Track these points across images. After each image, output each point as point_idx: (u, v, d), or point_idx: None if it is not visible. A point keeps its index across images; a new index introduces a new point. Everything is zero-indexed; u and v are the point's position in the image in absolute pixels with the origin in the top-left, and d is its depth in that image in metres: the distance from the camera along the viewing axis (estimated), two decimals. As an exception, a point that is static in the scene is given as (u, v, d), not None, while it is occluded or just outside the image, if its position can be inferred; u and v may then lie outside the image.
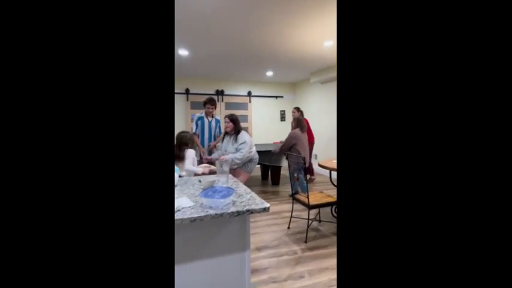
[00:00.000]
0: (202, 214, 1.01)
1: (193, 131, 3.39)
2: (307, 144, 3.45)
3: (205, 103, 3.38)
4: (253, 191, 1.31)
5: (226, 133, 2.93)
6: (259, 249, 2.23)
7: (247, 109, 6.07)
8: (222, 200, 1.09)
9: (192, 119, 3.30)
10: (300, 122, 3.49)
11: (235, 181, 1.59)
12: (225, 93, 5.82)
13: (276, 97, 6.26)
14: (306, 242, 2.34)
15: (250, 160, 2.89)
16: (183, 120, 5.57)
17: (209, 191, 1.20)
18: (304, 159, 2.45)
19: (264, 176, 4.84)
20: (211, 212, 1.04)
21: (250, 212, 1.08)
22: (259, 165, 5.44)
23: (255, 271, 1.89)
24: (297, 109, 4.51)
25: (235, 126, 2.82)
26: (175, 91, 5.49)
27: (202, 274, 1.14)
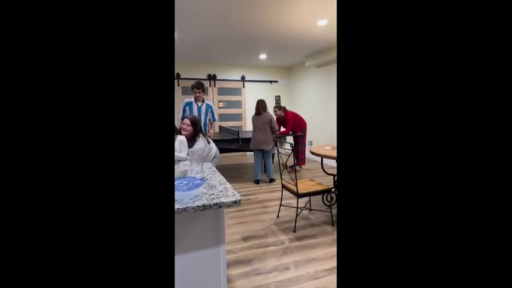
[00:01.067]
0: (162, 209, 0.90)
1: (180, 117, 3.23)
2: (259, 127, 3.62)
3: (192, 87, 3.21)
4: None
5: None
6: (245, 239, 2.15)
7: (240, 94, 5.89)
8: (187, 193, 0.98)
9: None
10: (257, 104, 3.65)
11: (213, 170, 1.47)
12: (218, 77, 5.62)
13: (271, 82, 6.06)
14: (294, 231, 2.26)
15: (214, 157, 2.65)
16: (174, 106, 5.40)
17: (176, 181, 1.08)
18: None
19: (258, 163, 4.74)
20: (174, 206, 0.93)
21: (219, 205, 0.96)
22: (252, 153, 5.35)
23: (239, 263, 1.81)
24: (278, 107, 4.37)
25: (194, 131, 2.36)
26: (165, 76, 5.29)
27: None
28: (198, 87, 3.16)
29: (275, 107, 4.39)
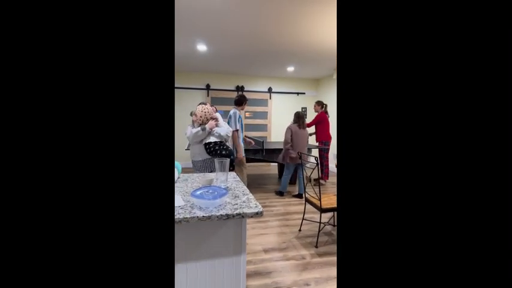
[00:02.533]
0: (188, 216, 0.95)
1: (237, 127, 3.13)
2: (304, 142, 3.40)
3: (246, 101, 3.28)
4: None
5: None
6: (266, 251, 2.15)
7: (267, 105, 5.97)
8: (212, 201, 1.02)
9: (231, 116, 3.09)
10: (299, 118, 3.40)
11: (237, 180, 1.52)
12: (245, 89, 5.76)
13: (298, 93, 6.08)
14: (316, 246, 2.22)
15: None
16: (202, 116, 5.61)
17: (201, 190, 1.14)
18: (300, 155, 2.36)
19: (281, 174, 4.73)
20: (199, 213, 0.98)
21: (241, 216, 1.00)
22: (276, 164, 5.35)
23: (258, 274, 1.81)
24: (318, 103, 4.31)
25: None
26: (196, 86, 5.54)
27: (193, 276, 1.09)
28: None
29: (317, 101, 4.35)
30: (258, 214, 1.01)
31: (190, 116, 2.32)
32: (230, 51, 3.83)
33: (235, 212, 0.99)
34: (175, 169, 1.45)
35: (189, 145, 2.60)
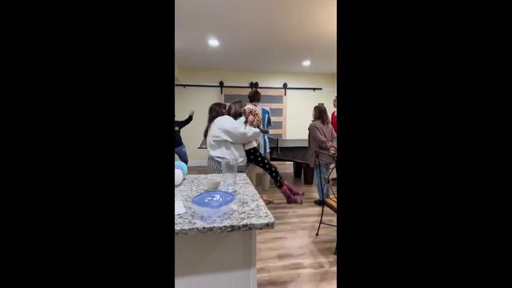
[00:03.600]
0: (187, 227, 0.82)
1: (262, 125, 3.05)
2: (330, 139, 3.00)
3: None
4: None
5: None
6: (280, 257, 2.00)
7: (281, 102, 5.79)
8: (215, 210, 0.89)
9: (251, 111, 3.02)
10: (321, 112, 3.01)
11: (246, 182, 1.37)
12: (260, 85, 5.61)
13: (314, 89, 5.84)
14: (335, 253, 2.04)
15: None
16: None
17: (205, 195, 1.00)
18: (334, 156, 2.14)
19: (297, 173, 4.55)
20: (200, 224, 0.84)
21: (248, 227, 0.85)
22: (291, 162, 5.16)
23: (272, 284, 1.67)
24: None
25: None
26: (209, 84, 5.46)
27: (196, 293, 0.96)
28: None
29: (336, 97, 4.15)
30: (268, 226, 0.87)
31: (243, 114, 2.10)
32: (243, 46, 3.69)
33: (241, 223, 0.85)
34: (180, 171, 1.33)
35: (202, 143, 2.48)
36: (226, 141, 1.98)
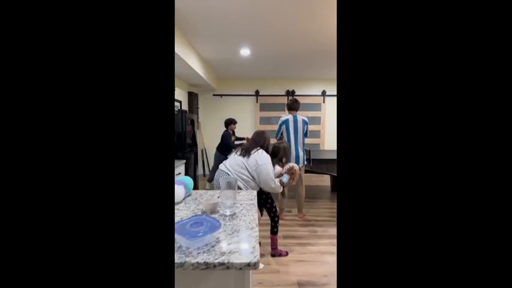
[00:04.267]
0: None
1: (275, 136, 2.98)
2: None
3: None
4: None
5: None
6: (301, 285, 1.79)
7: (320, 110, 5.49)
8: (192, 241, 0.78)
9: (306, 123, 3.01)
10: None
11: (251, 203, 1.24)
12: (296, 93, 5.42)
13: (356, 96, 5.41)
14: None
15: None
16: (252, 123, 5.50)
17: (193, 219, 0.90)
18: None
19: (335, 187, 4.20)
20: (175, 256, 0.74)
21: (226, 267, 0.72)
22: (328, 175, 4.78)
23: (285, 317, 1.48)
24: None
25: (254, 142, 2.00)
26: (244, 93, 5.47)
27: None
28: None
29: None
30: (249, 266, 0.72)
31: (284, 168, 2.04)
32: (274, 53, 3.59)
33: (217, 261, 0.72)
34: (182, 187, 1.26)
35: (212, 178, 2.38)
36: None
